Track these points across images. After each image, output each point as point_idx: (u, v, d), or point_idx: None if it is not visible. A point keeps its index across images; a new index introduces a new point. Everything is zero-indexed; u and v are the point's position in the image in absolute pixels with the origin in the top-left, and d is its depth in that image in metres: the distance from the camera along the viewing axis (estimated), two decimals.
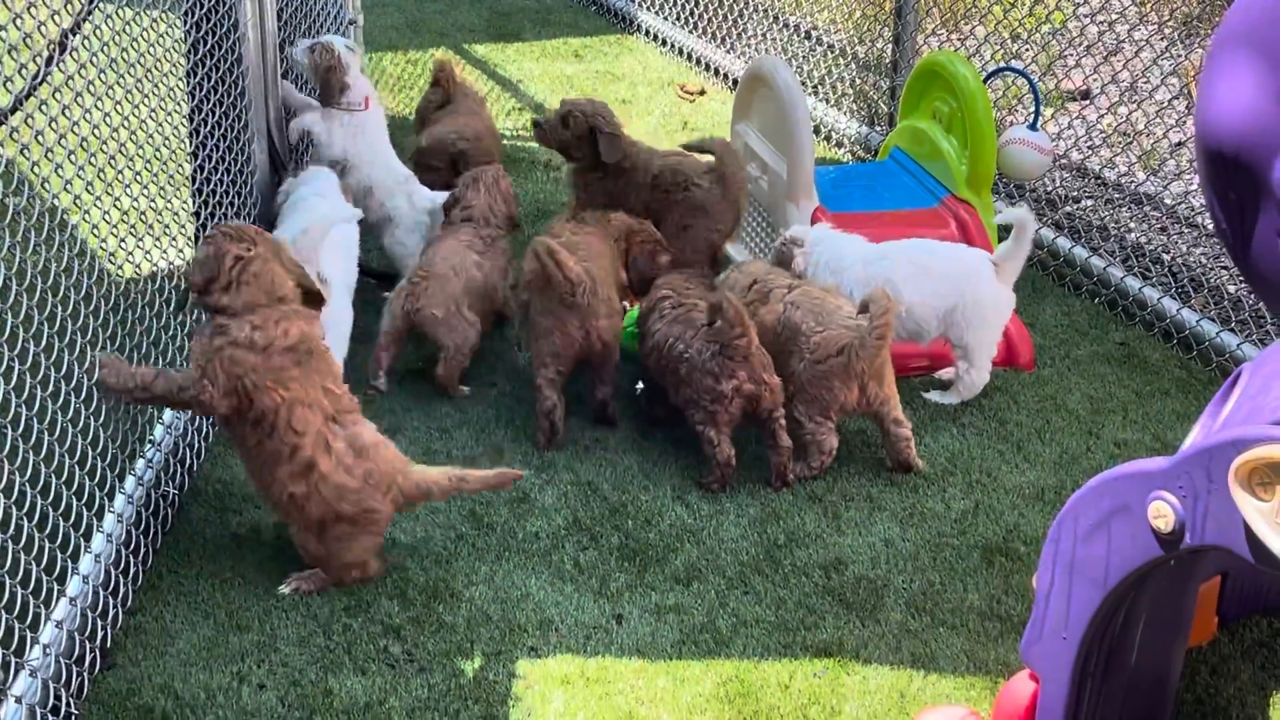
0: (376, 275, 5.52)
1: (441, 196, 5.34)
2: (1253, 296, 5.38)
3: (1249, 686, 3.64)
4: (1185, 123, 6.22)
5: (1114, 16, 6.71)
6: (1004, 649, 3.77)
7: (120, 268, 4.18)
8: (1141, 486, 2.80)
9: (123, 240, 4.12)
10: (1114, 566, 2.90)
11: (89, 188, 3.88)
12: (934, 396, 4.90)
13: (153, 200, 4.39)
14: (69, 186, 3.74)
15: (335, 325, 4.62)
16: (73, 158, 3.75)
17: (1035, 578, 3.82)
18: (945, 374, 5.00)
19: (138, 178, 4.25)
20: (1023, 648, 3.16)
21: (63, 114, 3.71)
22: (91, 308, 3.77)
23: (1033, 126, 5.68)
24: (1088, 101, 6.80)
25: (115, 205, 4.06)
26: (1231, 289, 5.48)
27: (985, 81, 5.55)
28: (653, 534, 4.20)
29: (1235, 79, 2.34)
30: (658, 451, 4.60)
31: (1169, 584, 3.13)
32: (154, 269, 4.39)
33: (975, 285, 4.75)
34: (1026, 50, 6.87)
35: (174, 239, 4.58)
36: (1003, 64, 6.41)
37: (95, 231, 3.96)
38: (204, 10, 4.71)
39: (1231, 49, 2.35)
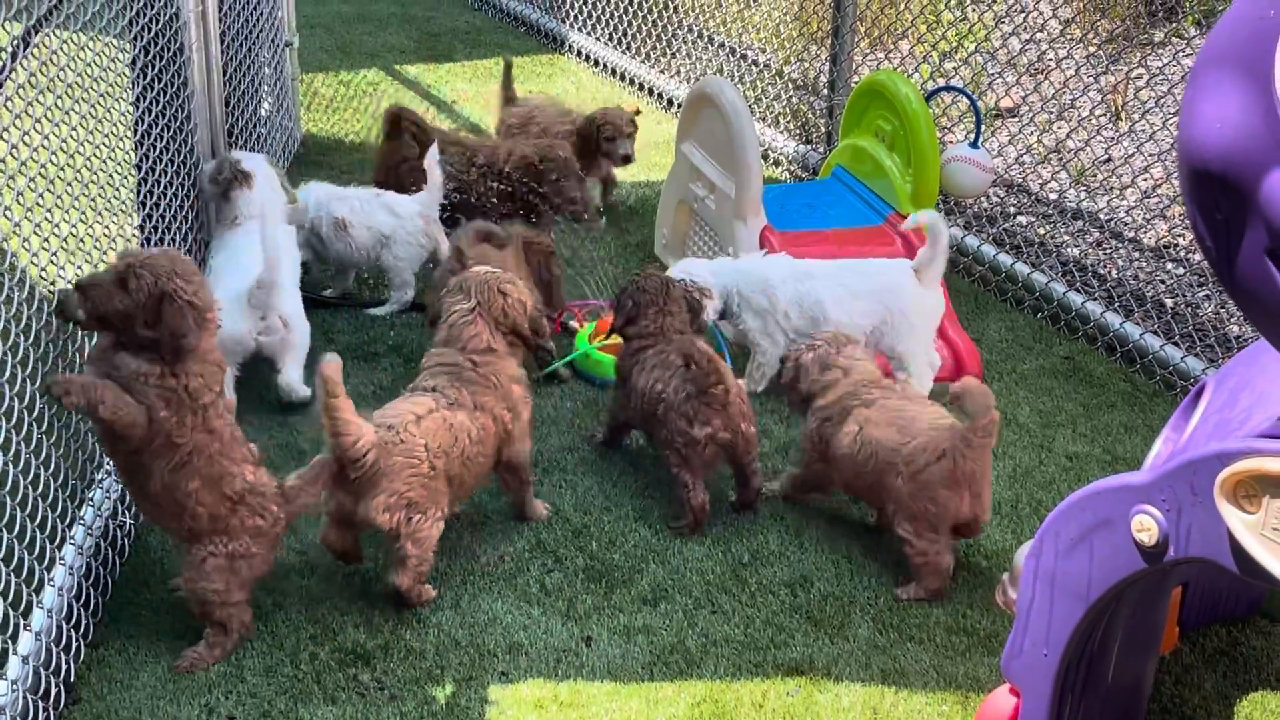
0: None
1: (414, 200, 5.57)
2: (1190, 310, 5.48)
3: (1213, 695, 3.69)
4: (1119, 139, 6.33)
5: (1045, 38, 6.81)
6: (972, 663, 3.80)
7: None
8: (1124, 500, 2.84)
9: (79, 266, 4.05)
10: (1096, 580, 2.94)
11: (48, 214, 3.82)
12: None
13: (106, 225, 4.33)
14: (21, 213, 3.68)
15: (300, 342, 4.82)
16: (32, 184, 3.69)
17: (997, 591, 3.88)
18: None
19: (92, 203, 4.19)
20: (1003, 662, 3.19)
21: (22, 140, 3.65)
22: (51, 335, 3.70)
23: (974, 144, 5.76)
24: (1018, 118, 6.89)
25: (72, 231, 4.00)
26: (1169, 303, 5.57)
27: (926, 100, 5.62)
28: (617, 555, 4.20)
29: (1221, 99, 2.37)
30: (617, 472, 4.60)
31: (1145, 596, 3.17)
32: None
33: (898, 297, 4.85)
34: (963, 69, 6.95)
35: None
36: (944, 83, 6.49)
37: (54, 259, 3.90)
38: (150, 35, 4.66)
39: (1216, 69, 2.39)
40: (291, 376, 4.80)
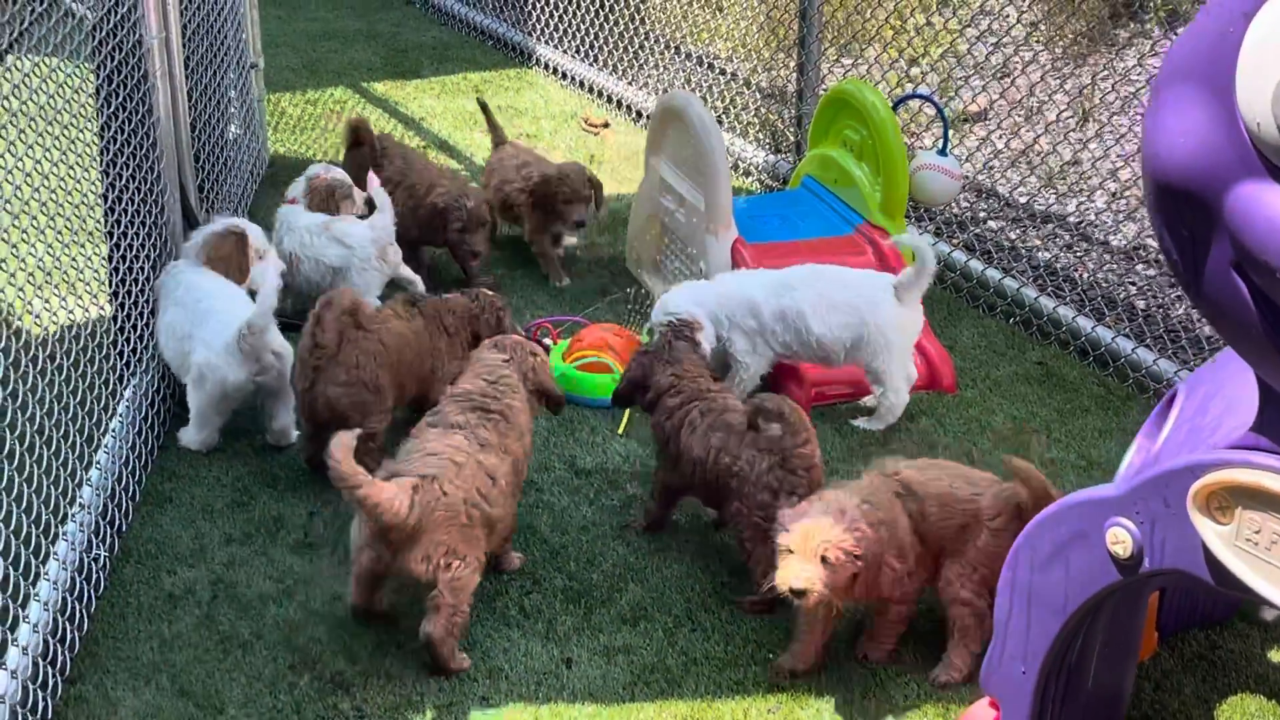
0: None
1: (367, 225, 5.46)
2: (1162, 312, 5.50)
3: (1192, 700, 3.70)
4: (1088, 143, 6.34)
5: (1012, 41, 6.83)
6: None
7: (39, 321, 4.11)
8: (1097, 513, 2.85)
9: (38, 291, 4.03)
10: (1072, 593, 2.94)
11: (13, 246, 3.80)
12: (861, 423, 4.95)
13: (74, 256, 4.31)
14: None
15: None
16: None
17: None
18: (870, 401, 5.04)
19: (59, 235, 4.17)
20: (982, 676, 3.19)
21: None
22: (10, 360, 3.68)
23: (942, 152, 5.78)
24: (986, 122, 6.90)
25: (40, 262, 3.98)
26: (1140, 304, 5.59)
27: (894, 108, 5.63)
28: (596, 574, 4.19)
29: (1183, 113, 2.38)
30: (593, 491, 4.59)
31: (1123, 605, 3.18)
32: (71, 322, 4.31)
33: (877, 312, 4.82)
34: (929, 75, 6.96)
35: (95, 294, 4.50)
36: (911, 91, 6.50)
37: (12, 283, 3.87)
38: (115, 62, 4.64)
39: (1179, 83, 2.40)
40: (284, 423, 4.77)
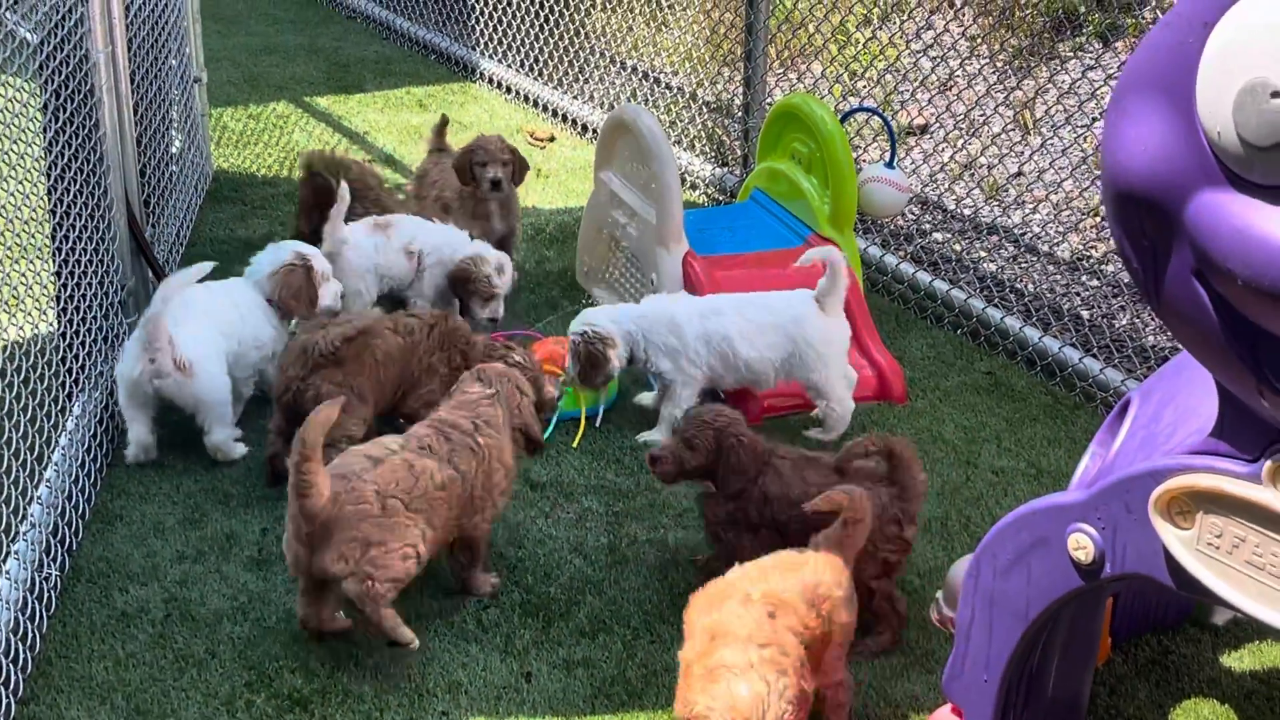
0: None
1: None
2: (1107, 321, 5.56)
3: (1147, 705, 3.74)
4: (1032, 155, 6.41)
5: (955, 55, 6.89)
6: (910, 682, 3.81)
7: None
8: (1059, 519, 2.88)
9: None
10: (1034, 599, 2.97)
11: None
12: (813, 434, 4.97)
13: (22, 269, 4.27)
14: None
15: (211, 395, 4.65)
16: None
17: (931, 609, 3.92)
18: (818, 412, 5.06)
19: (9, 251, 4.13)
20: (944, 683, 3.21)
21: None
22: None
23: (889, 164, 5.82)
24: (930, 135, 6.96)
25: None
26: (1085, 314, 5.65)
27: (841, 122, 5.66)
28: (553, 588, 4.18)
29: (1143, 123, 2.41)
30: (548, 505, 4.59)
31: (1082, 611, 3.21)
32: (20, 338, 4.27)
33: (802, 328, 4.86)
34: (873, 89, 7.02)
35: (44, 310, 4.46)
36: (858, 104, 6.55)
37: None
38: (61, 78, 4.60)
39: (1137, 93, 2.43)
40: (217, 438, 4.69)
